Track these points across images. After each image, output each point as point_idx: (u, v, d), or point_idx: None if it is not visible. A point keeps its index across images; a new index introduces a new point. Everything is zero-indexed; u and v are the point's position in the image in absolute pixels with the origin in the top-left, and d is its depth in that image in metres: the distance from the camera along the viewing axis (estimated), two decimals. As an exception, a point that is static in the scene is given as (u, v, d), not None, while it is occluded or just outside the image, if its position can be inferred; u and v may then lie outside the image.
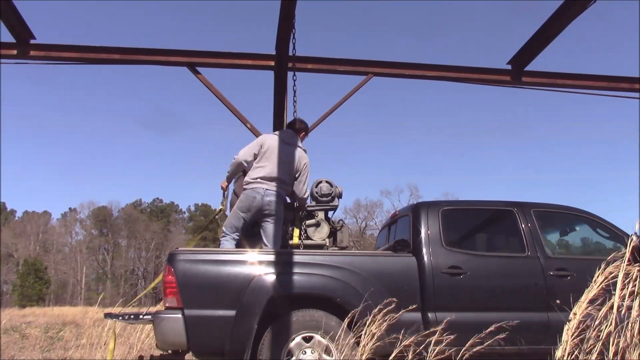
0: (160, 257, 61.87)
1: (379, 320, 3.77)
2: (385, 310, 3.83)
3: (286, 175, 4.98)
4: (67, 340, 10.02)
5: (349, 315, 3.91)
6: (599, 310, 3.02)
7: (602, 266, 3.23)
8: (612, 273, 3.12)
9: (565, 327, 3.08)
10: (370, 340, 3.69)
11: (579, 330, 3.02)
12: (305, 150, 5.22)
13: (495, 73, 7.51)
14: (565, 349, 2.98)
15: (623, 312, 3.00)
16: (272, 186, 4.88)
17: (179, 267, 4.14)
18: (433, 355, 3.58)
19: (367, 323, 3.78)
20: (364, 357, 3.68)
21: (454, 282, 4.39)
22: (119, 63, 7.14)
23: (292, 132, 5.23)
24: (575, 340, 2.99)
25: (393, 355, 3.67)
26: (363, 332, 3.75)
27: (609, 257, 3.27)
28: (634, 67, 32.63)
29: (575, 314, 3.08)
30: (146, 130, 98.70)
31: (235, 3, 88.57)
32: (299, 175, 5.04)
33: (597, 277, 3.18)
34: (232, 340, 3.98)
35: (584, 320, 3.05)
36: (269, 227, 4.84)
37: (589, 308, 3.06)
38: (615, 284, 3.06)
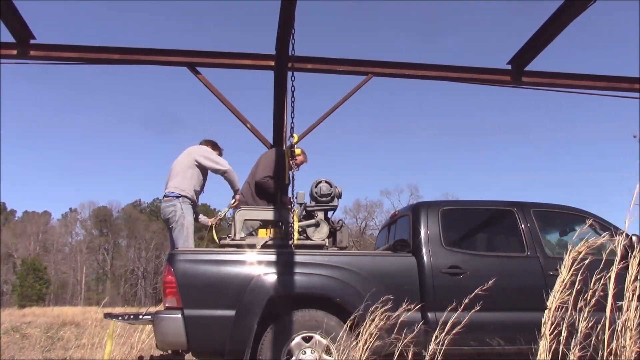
0: (160, 257, 61.73)
1: (378, 319, 3.76)
2: (383, 310, 3.82)
3: (174, 181, 5.34)
4: (67, 340, 10.02)
5: (350, 318, 3.89)
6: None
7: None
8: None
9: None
10: (370, 339, 3.68)
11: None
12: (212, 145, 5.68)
13: (495, 73, 7.50)
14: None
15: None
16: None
17: (178, 267, 4.14)
18: (433, 355, 3.58)
19: (366, 323, 3.78)
20: (364, 357, 3.67)
21: (453, 282, 4.38)
22: (118, 63, 7.14)
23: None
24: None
25: (396, 355, 3.67)
26: (361, 331, 3.74)
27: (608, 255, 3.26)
28: (634, 67, 32.63)
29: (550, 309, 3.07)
30: (146, 130, 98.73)
31: (235, 3, 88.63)
32: (205, 165, 5.44)
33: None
34: (232, 340, 3.98)
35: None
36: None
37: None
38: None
